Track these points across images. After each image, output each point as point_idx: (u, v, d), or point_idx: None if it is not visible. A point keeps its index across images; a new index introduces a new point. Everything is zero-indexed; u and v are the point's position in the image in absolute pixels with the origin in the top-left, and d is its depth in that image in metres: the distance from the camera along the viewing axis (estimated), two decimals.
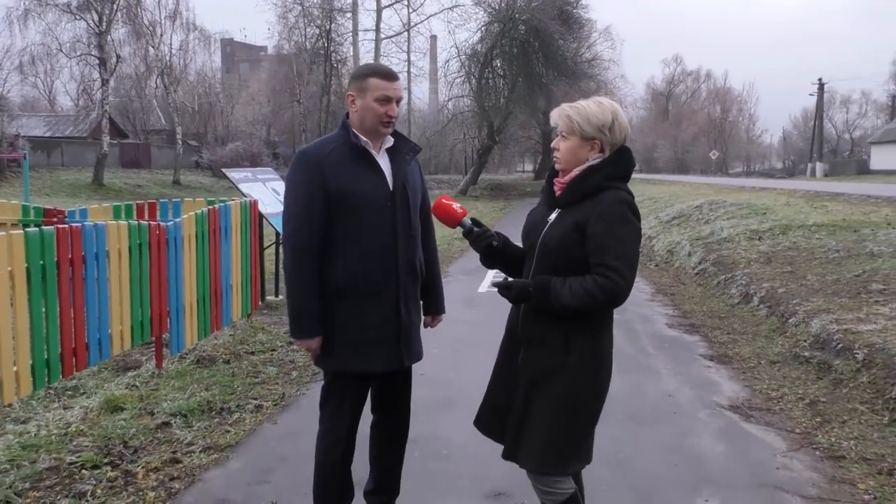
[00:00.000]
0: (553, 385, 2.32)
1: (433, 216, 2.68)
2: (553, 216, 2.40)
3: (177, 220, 5.48)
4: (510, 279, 2.42)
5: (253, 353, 5.95)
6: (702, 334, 6.73)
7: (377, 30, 39.27)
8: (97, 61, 31.15)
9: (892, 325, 5.35)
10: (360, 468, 2.89)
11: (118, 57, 32.33)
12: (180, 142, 35.68)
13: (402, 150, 2.76)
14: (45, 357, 4.07)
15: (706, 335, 6.68)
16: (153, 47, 35.21)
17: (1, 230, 6.87)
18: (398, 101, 2.66)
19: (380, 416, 2.93)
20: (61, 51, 32.96)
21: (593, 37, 45.64)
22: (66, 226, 4.23)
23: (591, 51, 45.08)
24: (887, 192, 17.05)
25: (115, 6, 30.32)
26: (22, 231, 3.89)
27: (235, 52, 77.17)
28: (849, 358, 5.00)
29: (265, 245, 8.25)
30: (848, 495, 3.34)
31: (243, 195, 7.73)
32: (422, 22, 42.43)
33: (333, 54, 41.72)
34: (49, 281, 4.07)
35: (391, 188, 2.68)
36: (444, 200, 2.52)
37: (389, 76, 2.66)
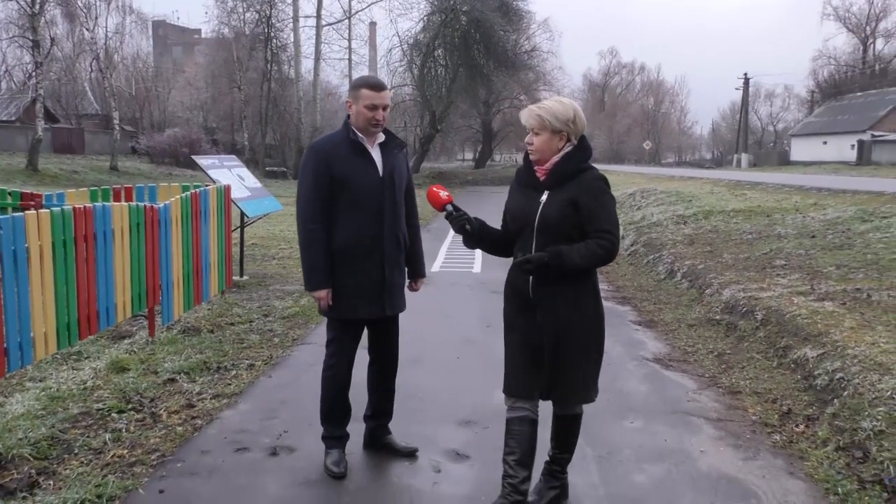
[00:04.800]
0: (575, 335, 2.88)
1: (427, 200, 3.24)
2: (544, 197, 2.89)
3: (166, 202, 6.02)
4: (529, 255, 2.85)
5: (233, 324, 6.54)
6: (632, 305, 7.67)
7: (318, 16, 39.26)
8: (30, 44, 30.33)
9: (787, 292, 6.36)
10: (361, 402, 3.61)
11: (52, 40, 31.54)
12: (117, 127, 35.06)
13: (391, 144, 3.49)
14: (66, 321, 4.63)
15: (636, 305, 7.62)
16: (88, 30, 34.45)
17: None
18: (384, 107, 3.34)
19: (374, 356, 3.66)
20: None
21: (532, 28, 46.62)
22: (82, 206, 4.76)
23: (530, 42, 46.08)
24: (799, 182, 18.60)
25: None
26: (48, 210, 4.42)
27: (168, 35, 75.38)
28: (750, 319, 5.98)
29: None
30: (740, 417, 4.25)
31: (213, 181, 8.25)
32: (363, 10, 42.73)
33: (273, 40, 41.57)
34: (68, 255, 4.62)
35: (381, 175, 3.39)
36: (434, 189, 3.06)
37: (377, 87, 3.35)
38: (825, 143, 47.21)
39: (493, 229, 3.11)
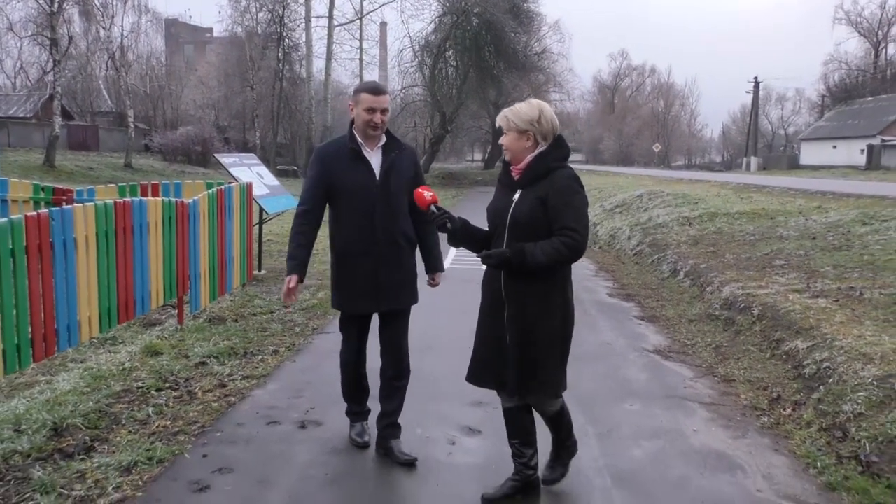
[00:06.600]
0: (543, 329, 2.97)
1: (414, 200, 3.25)
2: (517, 196, 2.98)
3: (195, 198, 6.38)
4: (492, 250, 2.98)
5: (255, 315, 6.89)
6: (636, 301, 7.98)
7: (330, 16, 39.63)
8: (48, 42, 30.85)
9: (783, 289, 6.66)
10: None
11: (70, 38, 32.08)
12: (132, 125, 35.52)
13: (391, 147, 3.62)
14: (108, 307, 4.99)
15: (639, 302, 7.93)
16: (104, 29, 34.96)
17: (15, 207, 7.64)
18: (383, 110, 3.51)
19: (381, 346, 3.74)
20: (11, 30, 32.46)
21: (543, 30, 46.97)
22: (122, 200, 5.12)
23: (540, 44, 46.42)
24: (805, 186, 18.85)
25: None
26: (93, 204, 4.78)
27: (180, 34, 76.04)
28: (747, 314, 6.29)
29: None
30: (733, 402, 4.57)
31: (235, 178, 8.61)
32: (375, 10, 43.03)
33: (286, 40, 42.02)
34: (110, 245, 4.98)
35: (377, 178, 3.50)
36: (419, 190, 3.19)
37: (376, 91, 3.49)
38: (835, 147, 47.26)
39: (477, 228, 3.17)
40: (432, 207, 3.12)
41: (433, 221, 3.12)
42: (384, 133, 3.58)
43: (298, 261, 3.52)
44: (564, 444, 3.32)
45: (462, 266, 10.10)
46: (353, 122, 3.57)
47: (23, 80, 49.74)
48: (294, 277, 3.47)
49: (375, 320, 3.76)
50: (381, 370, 3.77)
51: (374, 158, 3.55)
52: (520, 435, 3.23)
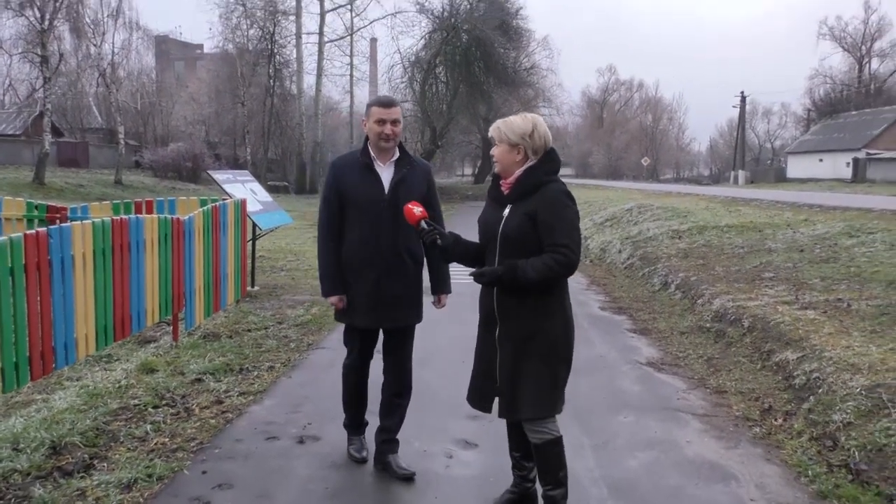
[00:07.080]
0: (537, 346, 2.91)
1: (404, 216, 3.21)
2: (506, 212, 2.95)
3: (190, 215, 6.42)
4: (483, 268, 2.96)
5: (249, 331, 6.91)
6: (628, 314, 8.05)
7: (320, 33, 39.93)
8: (38, 59, 30.83)
9: (772, 301, 6.75)
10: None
11: (61, 55, 32.10)
12: (122, 142, 35.46)
13: (404, 162, 3.66)
14: (104, 324, 5.01)
15: (631, 315, 8.01)
16: (95, 46, 34.98)
17: (8, 225, 7.64)
18: (393, 122, 3.54)
19: (384, 363, 3.79)
20: (1, 47, 32.48)
21: (532, 46, 47.33)
22: (119, 218, 5.16)
23: (529, 59, 46.73)
24: (792, 199, 19.08)
25: (57, 4, 30.07)
26: (90, 221, 4.82)
27: (170, 50, 76.18)
28: (738, 326, 6.37)
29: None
30: (725, 412, 4.64)
31: (228, 195, 8.65)
32: (365, 27, 43.27)
33: (277, 56, 42.19)
34: (107, 262, 5.01)
35: (385, 192, 3.51)
36: (408, 205, 3.16)
37: (385, 104, 3.55)
38: (821, 160, 47.77)
39: (468, 243, 3.15)
40: (422, 223, 3.10)
41: (423, 238, 3.10)
42: (398, 149, 3.62)
43: (330, 280, 3.61)
44: (548, 493, 3.04)
45: (458, 281, 10.14)
46: (367, 138, 3.62)
47: (12, 97, 49.73)
48: (338, 298, 3.61)
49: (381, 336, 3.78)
50: (382, 386, 3.79)
51: (386, 172, 3.58)
52: (521, 447, 3.23)
